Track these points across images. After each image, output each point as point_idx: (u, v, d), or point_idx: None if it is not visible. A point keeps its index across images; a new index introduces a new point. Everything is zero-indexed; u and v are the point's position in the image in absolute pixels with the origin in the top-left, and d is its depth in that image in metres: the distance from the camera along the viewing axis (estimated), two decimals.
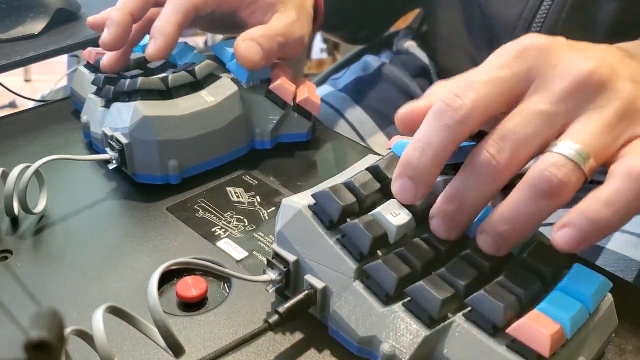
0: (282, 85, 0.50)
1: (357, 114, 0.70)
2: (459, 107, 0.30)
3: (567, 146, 0.28)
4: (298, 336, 0.35)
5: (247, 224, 0.43)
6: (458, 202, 0.31)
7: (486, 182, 0.30)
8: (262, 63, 0.49)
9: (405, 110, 0.34)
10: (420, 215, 0.34)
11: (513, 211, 0.29)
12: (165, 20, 0.48)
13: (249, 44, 0.48)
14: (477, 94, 0.30)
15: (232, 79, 0.50)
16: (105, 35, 0.49)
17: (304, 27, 0.53)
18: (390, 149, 0.37)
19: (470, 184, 0.30)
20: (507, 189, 0.31)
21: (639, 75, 0.31)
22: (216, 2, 0.50)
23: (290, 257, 0.34)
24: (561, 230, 0.28)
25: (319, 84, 0.80)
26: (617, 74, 0.30)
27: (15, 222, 0.42)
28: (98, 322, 0.28)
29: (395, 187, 0.31)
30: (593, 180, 0.29)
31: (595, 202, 0.28)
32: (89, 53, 0.54)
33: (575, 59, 0.30)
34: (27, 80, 2.36)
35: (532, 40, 0.31)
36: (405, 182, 0.31)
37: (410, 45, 0.74)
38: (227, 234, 0.42)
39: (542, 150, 0.30)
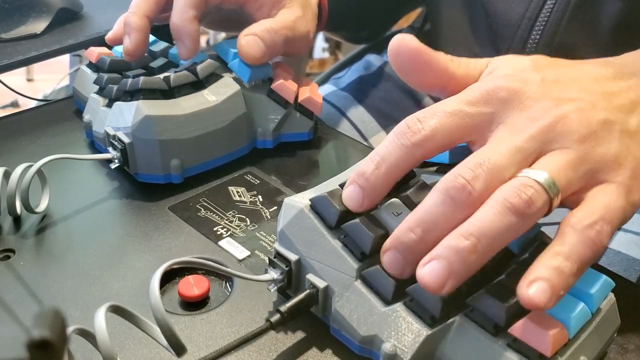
0: (284, 84, 0.50)
1: (359, 113, 0.69)
2: (417, 131, 0.31)
3: (536, 173, 0.29)
4: (299, 335, 0.35)
5: (248, 223, 0.43)
6: (421, 231, 0.29)
7: (457, 209, 0.29)
8: (264, 58, 0.49)
9: (399, 40, 0.34)
10: None
11: (479, 225, 0.28)
12: (182, 19, 0.47)
13: (249, 39, 0.48)
14: (437, 122, 0.31)
15: (234, 78, 0.50)
16: (127, 44, 0.49)
17: (309, 23, 0.53)
18: None
19: (440, 210, 0.29)
20: None
21: (617, 111, 0.32)
22: None
23: (292, 256, 0.34)
24: (534, 285, 0.27)
25: (321, 83, 0.80)
26: (586, 119, 0.31)
27: (17, 221, 0.42)
28: (100, 321, 0.28)
29: (345, 192, 0.32)
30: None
31: (552, 258, 0.28)
32: (91, 52, 0.54)
33: (543, 105, 0.31)
34: (29, 80, 2.36)
35: (503, 82, 0.32)
36: (354, 190, 0.31)
37: None
38: (229, 233, 0.42)
39: None
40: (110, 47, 0.55)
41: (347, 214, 0.33)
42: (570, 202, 0.30)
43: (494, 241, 0.28)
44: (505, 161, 0.29)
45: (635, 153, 0.31)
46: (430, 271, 0.28)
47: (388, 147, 0.31)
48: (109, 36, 0.53)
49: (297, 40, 0.51)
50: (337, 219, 0.32)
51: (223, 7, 0.51)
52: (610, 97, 0.32)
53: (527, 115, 0.31)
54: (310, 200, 0.33)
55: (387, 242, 0.31)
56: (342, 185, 0.34)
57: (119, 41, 0.51)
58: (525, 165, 0.30)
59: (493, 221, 0.28)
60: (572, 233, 0.28)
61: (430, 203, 0.29)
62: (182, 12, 0.47)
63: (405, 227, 0.30)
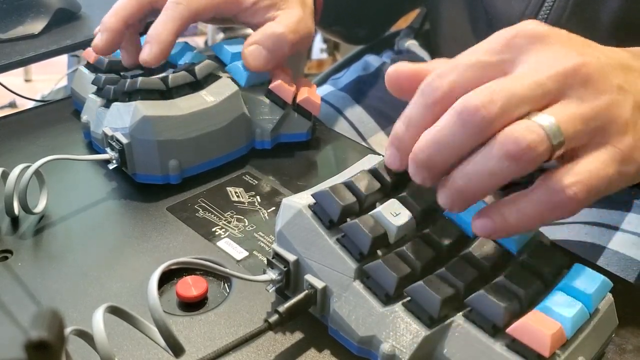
0: (282, 84, 0.50)
1: (357, 113, 0.70)
2: (436, 88, 0.31)
3: (544, 117, 0.29)
4: (298, 336, 0.35)
5: (247, 224, 0.43)
6: (431, 152, 0.30)
7: (469, 133, 0.29)
8: (269, 66, 0.49)
9: (394, 69, 0.34)
10: (420, 215, 0.34)
11: (473, 166, 0.29)
12: (162, 28, 0.48)
13: (252, 49, 0.49)
14: (457, 76, 0.31)
15: (232, 79, 0.50)
16: (97, 40, 0.50)
17: (309, 22, 0.53)
18: None
19: (450, 131, 0.29)
20: (507, 188, 0.31)
21: (629, 85, 0.31)
22: (213, 10, 0.50)
23: (290, 257, 0.34)
24: (480, 219, 0.30)
25: (319, 83, 0.80)
26: (606, 75, 0.30)
27: (15, 221, 0.42)
28: (98, 321, 0.28)
29: (385, 155, 0.33)
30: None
31: (508, 205, 0.30)
32: (89, 53, 0.54)
33: (567, 51, 0.31)
34: (27, 80, 2.36)
35: (527, 27, 0.31)
36: (392, 152, 0.33)
37: (412, 44, 0.74)
38: (227, 233, 0.42)
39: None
40: None
41: (349, 209, 0.33)
42: (570, 155, 0.30)
43: (486, 182, 0.29)
44: (524, 92, 0.29)
45: None
46: (439, 197, 0.31)
47: (413, 107, 0.32)
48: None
49: (300, 42, 0.51)
50: (339, 213, 0.32)
51: (216, 16, 0.52)
52: (625, 70, 0.32)
53: (550, 56, 0.30)
54: (312, 195, 0.33)
55: (410, 168, 0.31)
56: (343, 183, 0.34)
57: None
58: (542, 104, 0.29)
59: (487, 165, 0.29)
60: (543, 193, 0.29)
61: (442, 123, 0.30)
62: (165, 21, 0.48)
63: (418, 148, 0.30)
